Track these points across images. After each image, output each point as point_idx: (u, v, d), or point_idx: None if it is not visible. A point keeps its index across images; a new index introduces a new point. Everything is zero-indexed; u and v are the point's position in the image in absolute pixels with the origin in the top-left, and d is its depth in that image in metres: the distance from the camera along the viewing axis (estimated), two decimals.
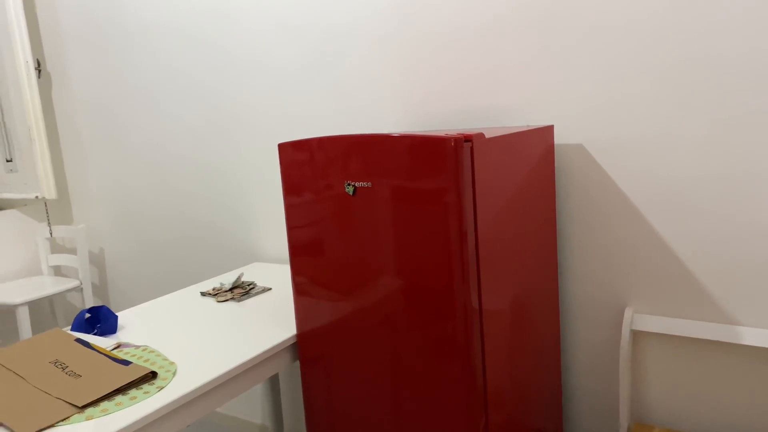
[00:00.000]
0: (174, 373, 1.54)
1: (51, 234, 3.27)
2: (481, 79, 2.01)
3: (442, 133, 1.41)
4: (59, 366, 1.55)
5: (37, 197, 3.19)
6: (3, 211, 3.29)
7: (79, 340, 1.69)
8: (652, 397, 1.91)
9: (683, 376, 1.85)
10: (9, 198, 3.31)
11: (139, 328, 1.89)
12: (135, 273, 3.20)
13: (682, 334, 1.79)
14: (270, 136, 2.55)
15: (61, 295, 3.43)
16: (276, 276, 2.40)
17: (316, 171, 1.58)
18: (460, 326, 1.42)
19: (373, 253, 1.52)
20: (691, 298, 1.79)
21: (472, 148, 1.37)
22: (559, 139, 1.92)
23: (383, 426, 1.61)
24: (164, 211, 2.99)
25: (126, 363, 1.55)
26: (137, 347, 1.72)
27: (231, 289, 2.23)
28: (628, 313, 1.86)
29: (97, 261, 3.36)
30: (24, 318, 2.87)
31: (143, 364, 1.59)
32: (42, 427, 1.30)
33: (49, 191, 3.16)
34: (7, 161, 3.33)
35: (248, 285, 2.27)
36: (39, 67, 3.26)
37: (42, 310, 3.57)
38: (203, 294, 2.21)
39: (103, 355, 1.59)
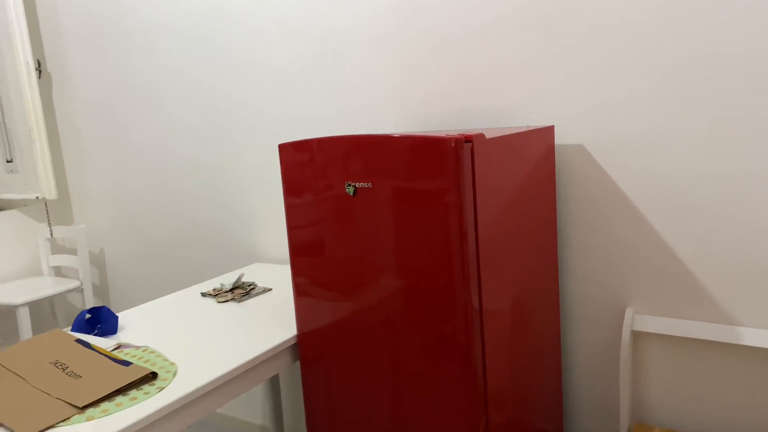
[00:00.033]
0: (174, 374, 1.54)
1: (51, 234, 3.27)
2: (481, 80, 2.01)
3: (442, 134, 1.41)
4: (60, 366, 1.55)
5: (37, 198, 3.19)
6: (3, 212, 3.29)
7: (79, 341, 1.69)
8: (653, 397, 1.91)
9: (683, 376, 1.85)
10: (9, 198, 3.31)
11: (139, 328, 1.89)
12: (135, 273, 3.20)
13: (683, 334, 1.79)
14: (270, 136, 2.55)
15: (61, 295, 3.43)
16: (276, 276, 2.40)
17: (316, 171, 1.58)
18: (460, 326, 1.42)
19: (373, 254, 1.52)
20: (692, 299, 1.79)
21: (472, 149, 1.37)
22: (559, 139, 1.92)
23: (384, 426, 1.61)
24: (164, 212, 2.99)
25: (126, 364, 1.55)
26: (137, 348, 1.72)
27: (231, 290, 2.23)
28: (628, 313, 1.86)
29: (97, 261, 3.36)
30: (24, 318, 2.87)
31: (143, 364, 1.59)
32: (42, 427, 1.30)
33: (50, 192, 3.16)
34: (8, 162, 3.33)
35: (248, 285, 2.27)
36: (39, 68, 3.26)
37: (42, 310, 3.57)
38: (204, 294, 2.21)
39: (103, 356, 1.59)
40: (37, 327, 3.53)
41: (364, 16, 2.20)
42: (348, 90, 2.30)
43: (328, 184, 1.56)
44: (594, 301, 1.95)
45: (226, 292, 2.22)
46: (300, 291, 1.71)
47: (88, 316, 1.89)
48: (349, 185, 1.53)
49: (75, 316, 3.33)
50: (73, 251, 3.46)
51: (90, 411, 1.36)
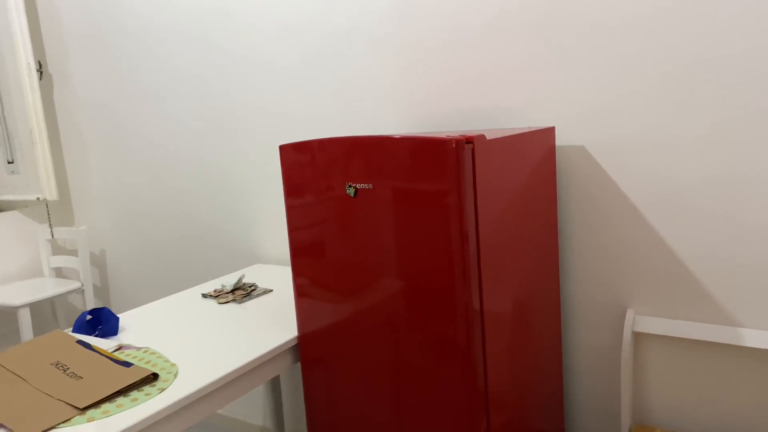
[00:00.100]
0: (175, 375, 1.54)
1: (52, 235, 3.27)
2: (482, 80, 2.01)
3: (443, 135, 1.41)
4: (60, 368, 1.55)
5: (38, 199, 3.19)
6: (4, 213, 3.29)
7: (80, 342, 1.69)
8: (654, 398, 1.91)
9: (685, 377, 1.84)
10: (10, 199, 3.31)
11: (140, 329, 1.89)
12: (136, 274, 3.21)
13: (684, 335, 1.79)
14: (272, 137, 2.55)
15: (62, 296, 3.43)
16: (277, 277, 2.40)
17: (317, 172, 1.58)
18: (461, 328, 1.42)
19: (374, 255, 1.52)
20: (693, 300, 1.79)
21: (473, 150, 1.37)
22: (560, 140, 1.92)
23: (384, 428, 1.61)
24: (165, 213, 2.99)
25: (127, 365, 1.55)
26: (138, 349, 1.72)
27: (232, 291, 2.23)
28: (629, 314, 1.86)
29: (98, 262, 3.36)
30: (25, 320, 2.87)
31: (144, 365, 1.59)
32: (43, 428, 1.30)
33: (51, 193, 3.17)
34: (9, 163, 3.33)
35: (249, 286, 2.27)
36: (40, 69, 3.27)
37: (43, 311, 3.57)
38: (204, 296, 2.21)
39: (104, 357, 1.59)
40: (38, 328, 3.53)
41: (365, 16, 2.20)
42: (348, 90, 2.30)
43: (329, 185, 1.57)
44: (595, 303, 1.95)
45: (227, 293, 2.22)
46: (301, 292, 1.71)
47: (88, 317, 1.89)
48: (350, 186, 1.53)
49: (76, 317, 3.33)
50: (73, 252, 3.46)
51: (91, 412, 1.36)
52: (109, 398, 1.42)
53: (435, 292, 1.44)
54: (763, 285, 1.69)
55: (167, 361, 1.63)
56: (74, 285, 3.11)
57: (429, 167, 1.38)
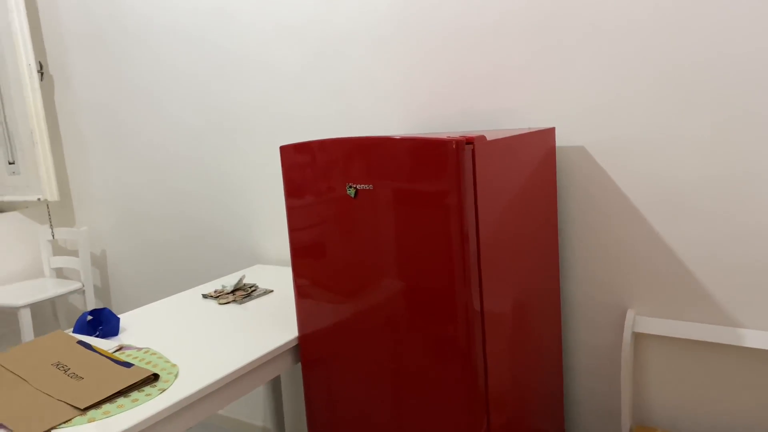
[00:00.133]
0: (176, 376, 1.54)
1: (53, 236, 3.27)
2: (482, 81, 2.01)
3: (443, 136, 1.42)
4: (61, 368, 1.56)
5: (39, 199, 3.20)
6: (5, 213, 3.30)
7: (81, 342, 1.70)
8: (654, 399, 1.91)
9: (685, 378, 1.85)
10: (11, 200, 3.32)
11: (140, 330, 1.89)
12: (137, 275, 3.21)
13: (684, 336, 1.79)
14: (272, 137, 2.55)
15: (63, 297, 3.43)
16: (277, 278, 2.41)
17: (317, 173, 1.59)
18: (461, 328, 1.42)
19: (374, 255, 1.52)
20: (693, 300, 1.79)
21: (473, 151, 1.37)
22: (560, 141, 1.92)
23: (385, 428, 1.61)
24: (166, 213, 2.99)
25: (128, 365, 1.55)
26: (139, 349, 1.72)
27: (233, 291, 2.23)
28: (629, 315, 1.86)
29: (99, 263, 3.36)
30: (26, 320, 2.87)
31: (145, 366, 1.59)
32: (44, 429, 1.30)
33: (52, 193, 3.17)
34: (10, 163, 3.33)
35: (250, 287, 2.27)
36: (41, 70, 3.27)
37: (44, 312, 3.57)
38: (205, 296, 2.21)
39: (104, 357, 1.59)
40: (39, 328, 3.54)
41: (365, 17, 2.20)
42: (349, 91, 2.30)
43: (329, 186, 1.57)
44: (595, 303, 1.95)
45: (228, 293, 2.22)
46: (301, 292, 1.71)
47: (89, 317, 1.89)
48: (350, 187, 1.53)
49: (76, 318, 3.33)
50: (74, 253, 3.46)
51: (91, 412, 1.36)
52: (109, 399, 1.42)
53: (435, 292, 1.44)
54: (763, 285, 1.69)
55: (168, 361, 1.63)
56: (75, 285, 3.11)
57: (429, 168, 1.38)
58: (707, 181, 1.72)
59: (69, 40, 3.14)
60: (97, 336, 1.85)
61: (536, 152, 1.71)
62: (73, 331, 1.88)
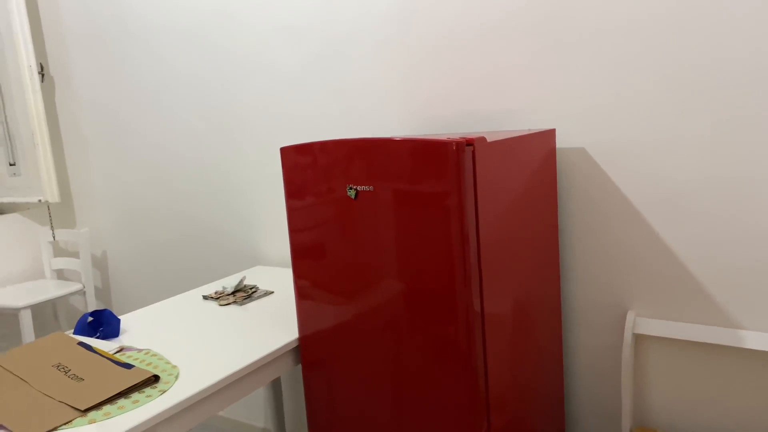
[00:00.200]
0: (176, 377, 1.54)
1: (54, 237, 3.27)
2: (482, 82, 2.01)
3: (444, 137, 1.42)
4: (62, 369, 1.56)
5: (40, 201, 3.20)
6: (6, 215, 3.30)
7: (81, 344, 1.70)
8: (655, 400, 1.91)
9: (685, 379, 1.84)
10: (12, 202, 3.32)
11: (141, 331, 1.90)
12: (138, 276, 3.21)
13: (685, 337, 1.79)
14: (273, 138, 2.55)
15: (64, 298, 3.43)
16: (278, 279, 2.41)
17: (318, 174, 1.59)
18: (462, 329, 1.42)
19: (375, 257, 1.53)
20: (694, 302, 1.79)
21: (473, 152, 1.37)
22: (560, 142, 1.92)
23: (385, 429, 1.61)
24: (167, 214, 2.99)
25: (128, 366, 1.55)
26: (140, 351, 1.72)
27: (233, 293, 2.23)
28: (630, 316, 1.86)
29: (99, 264, 3.36)
30: (27, 321, 2.87)
31: (146, 367, 1.60)
32: (44, 430, 1.30)
33: (52, 195, 3.17)
34: (11, 165, 3.34)
35: (250, 288, 2.27)
36: (42, 71, 3.27)
37: (45, 313, 3.58)
38: (205, 297, 2.21)
39: (105, 359, 1.60)
40: (40, 330, 3.54)
41: (365, 18, 2.21)
42: (349, 92, 2.31)
43: (330, 187, 1.57)
44: (595, 304, 1.95)
45: (228, 295, 2.22)
46: (301, 294, 1.71)
47: (90, 318, 1.89)
48: (351, 188, 1.53)
49: (77, 319, 3.33)
50: (75, 254, 3.46)
51: (92, 414, 1.36)
52: (110, 400, 1.42)
53: (436, 293, 1.44)
54: (764, 287, 1.69)
55: (168, 362, 1.63)
56: (76, 287, 3.11)
57: (430, 169, 1.38)
58: (707, 183, 1.72)
59: (70, 41, 3.14)
60: (97, 337, 1.85)
61: (537, 153, 1.71)
62: (74, 333, 1.88)
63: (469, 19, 2.00)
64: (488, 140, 1.43)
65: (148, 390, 1.47)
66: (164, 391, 1.46)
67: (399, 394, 1.56)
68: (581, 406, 2.04)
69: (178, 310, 2.09)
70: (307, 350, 1.74)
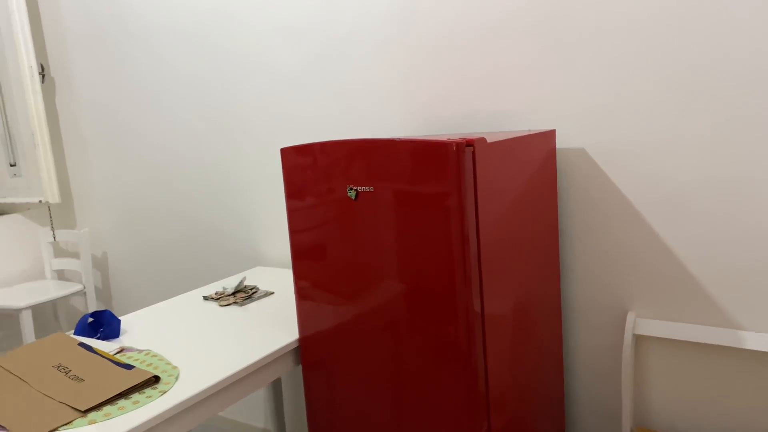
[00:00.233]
0: (177, 378, 1.54)
1: (54, 238, 3.28)
2: (483, 83, 2.01)
3: (444, 138, 1.42)
4: (62, 370, 1.56)
5: (40, 201, 3.20)
6: (7, 216, 3.30)
7: (82, 344, 1.70)
8: (655, 401, 1.91)
9: (686, 380, 1.84)
10: (13, 202, 3.32)
11: (141, 332, 1.90)
12: (138, 277, 3.21)
13: (685, 338, 1.79)
14: (273, 138, 2.55)
15: (64, 299, 3.44)
16: (278, 280, 2.41)
17: (318, 175, 1.59)
18: (462, 330, 1.42)
19: (375, 257, 1.53)
20: (694, 302, 1.79)
21: (473, 153, 1.37)
22: (560, 143, 1.92)
23: (385, 430, 1.61)
24: (167, 215, 2.99)
25: (129, 367, 1.55)
26: (140, 351, 1.72)
27: (233, 294, 2.23)
28: (630, 317, 1.86)
29: (100, 265, 3.36)
30: (27, 322, 2.88)
31: (146, 368, 1.60)
32: (45, 431, 1.30)
33: (53, 195, 3.17)
34: (11, 165, 3.34)
35: (251, 289, 2.27)
36: (42, 72, 3.28)
37: (45, 314, 3.58)
38: (206, 298, 2.22)
39: (106, 359, 1.60)
40: (40, 330, 3.54)
41: (366, 18, 2.21)
42: (349, 93, 2.31)
43: (330, 188, 1.57)
44: (596, 305, 1.95)
45: (229, 295, 2.22)
46: (302, 294, 1.71)
47: (90, 319, 1.89)
48: (351, 189, 1.53)
49: (77, 320, 3.34)
50: (75, 255, 3.47)
51: (92, 414, 1.36)
52: (110, 401, 1.42)
53: (436, 294, 1.44)
54: (765, 287, 1.69)
55: (168, 363, 1.63)
56: (76, 287, 3.12)
57: (430, 170, 1.38)
58: (708, 183, 1.72)
59: (70, 42, 3.14)
60: (98, 338, 1.85)
61: (537, 154, 1.71)
62: (74, 333, 1.88)
63: (469, 19, 2.00)
64: (488, 141, 1.43)
65: (148, 391, 1.47)
66: (164, 392, 1.46)
67: (399, 395, 1.56)
68: (581, 406, 2.04)
69: (178, 311, 2.09)
70: (307, 351, 1.74)
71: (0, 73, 3.26)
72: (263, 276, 2.48)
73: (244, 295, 2.21)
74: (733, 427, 1.79)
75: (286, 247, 2.61)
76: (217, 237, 2.83)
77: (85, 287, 3.14)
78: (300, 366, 2.54)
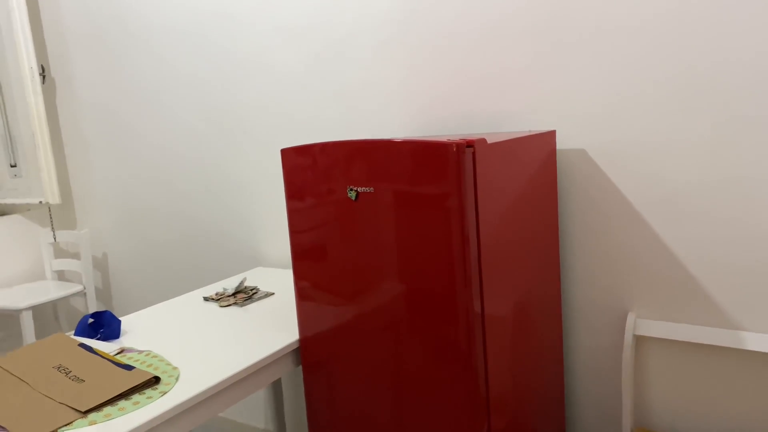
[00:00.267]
0: (177, 378, 1.54)
1: (55, 239, 3.28)
2: (483, 84, 2.01)
3: (444, 139, 1.42)
4: (62, 371, 1.56)
5: (41, 202, 3.20)
6: (7, 216, 3.30)
7: (82, 345, 1.70)
8: (655, 402, 1.91)
9: (686, 381, 1.84)
10: (13, 203, 3.32)
11: (142, 332, 1.90)
12: (138, 278, 3.21)
13: (685, 339, 1.79)
14: (273, 139, 2.55)
15: (64, 299, 3.44)
16: (279, 281, 2.41)
17: (318, 176, 1.59)
18: (462, 331, 1.42)
19: (375, 258, 1.53)
20: (694, 303, 1.79)
21: (474, 154, 1.37)
22: (561, 143, 1.92)
23: (386, 430, 1.61)
24: (168, 216, 2.99)
25: (129, 368, 1.55)
26: (140, 352, 1.72)
27: (234, 294, 2.24)
28: (630, 317, 1.86)
29: (100, 266, 3.37)
30: (28, 323, 2.88)
31: (146, 369, 1.60)
32: (45, 431, 1.30)
33: (53, 196, 3.18)
34: (12, 166, 3.34)
35: (251, 290, 2.27)
36: (43, 73, 3.28)
37: (45, 314, 3.58)
38: (206, 299, 2.22)
39: (106, 360, 1.60)
40: (40, 331, 3.54)
41: (366, 19, 2.21)
42: (350, 93, 2.31)
43: (330, 189, 1.57)
44: (596, 306, 1.95)
45: (229, 296, 2.22)
46: (302, 295, 1.71)
47: (90, 320, 1.89)
48: (351, 190, 1.53)
49: (78, 321, 3.34)
50: (76, 255, 3.47)
51: (93, 415, 1.36)
52: (110, 401, 1.42)
53: (436, 295, 1.44)
54: (764, 288, 1.69)
55: (169, 364, 1.63)
56: (76, 288, 3.12)
57: (430, 171, 1.38)
58: (708, 184, 1.72)
59: (71, 44, 3.15)
60: (98, 339, 1.85)
61: (537, 155, 1.71)
62: (75, 334, 1.88)
63: (470, 19, 2.00)
64: (488, 142, 1.43)
65: (148, 391, 1.47)
66: (165, 393, 1.46)
67: (399, 396, 1.56)
68: (581, 407, 2.04)
69: (178, 312, 2.09)
70: (307, 351, 1.74)
71: (0, 73, 3.26)
72: (263, 276, 2.48)
73: (244, 295, 2.21)
74: (733, 427, 1.79)
75: (286, 247, 2.61)
76: (217, 237, 2.83)
77: (85, 288, 3.14)
78: (300, 366, 2.54)
